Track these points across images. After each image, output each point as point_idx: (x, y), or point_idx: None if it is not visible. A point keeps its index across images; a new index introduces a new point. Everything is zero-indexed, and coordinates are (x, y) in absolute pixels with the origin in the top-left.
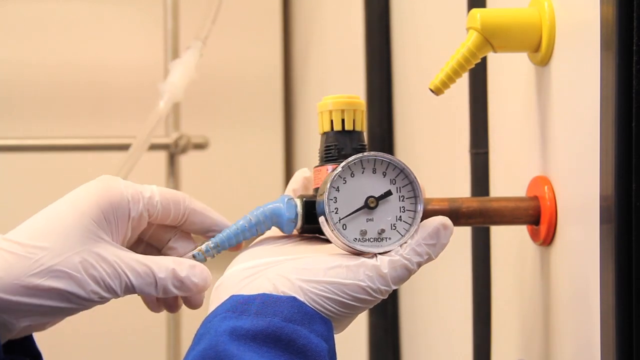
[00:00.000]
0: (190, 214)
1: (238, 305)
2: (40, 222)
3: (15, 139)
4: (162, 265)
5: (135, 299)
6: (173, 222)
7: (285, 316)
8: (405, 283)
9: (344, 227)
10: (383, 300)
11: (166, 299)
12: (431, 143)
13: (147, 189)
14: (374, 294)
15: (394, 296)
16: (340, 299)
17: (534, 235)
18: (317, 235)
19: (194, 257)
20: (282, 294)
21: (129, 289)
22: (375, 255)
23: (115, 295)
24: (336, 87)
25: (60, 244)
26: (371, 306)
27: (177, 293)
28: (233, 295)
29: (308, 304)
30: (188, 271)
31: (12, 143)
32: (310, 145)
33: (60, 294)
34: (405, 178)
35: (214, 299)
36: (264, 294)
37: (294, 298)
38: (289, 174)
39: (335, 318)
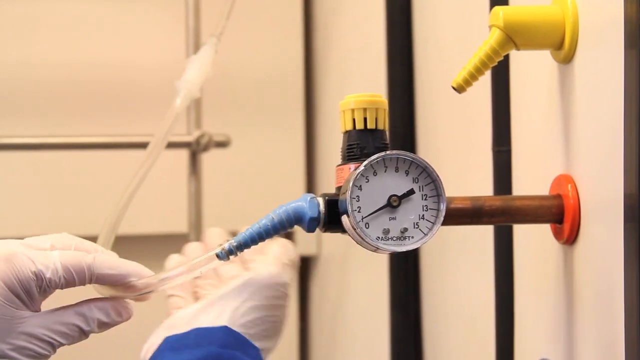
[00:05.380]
0: (98, 278)
1: (174, 343)
2: None
3: (36, 137)
4: (88, 318)
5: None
6: (80, 285)
7: (221, 344)
8: (428, 281)
9: (367, 225)
10: (405, 298)
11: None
12: (453, 141)
13: (49, 260)
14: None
15: (415, 294)
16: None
17: (557, 234)
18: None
19: (217, 256)
20: (213, 326)
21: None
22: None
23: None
24: (357, 85)
25: None
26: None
27: (111, 326)
28: (167, 337)
29: (239, 331)
30: (113, 312)
31: (32, 141)
32: (331, 144)
33: None
34: (427, 177)
35: (148, 352)
36: (197, 328)
37: (226, 327)
38: (310, 172)
39: (265, 336)
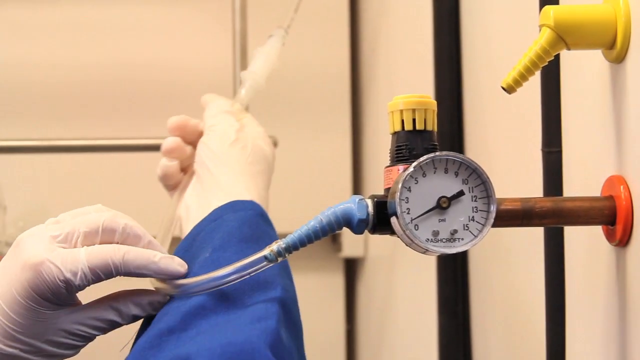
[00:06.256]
0: (128, 275)
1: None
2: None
3: (84, 140)
4: (123, 313)
5: None
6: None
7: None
8: (477, 283)
9: (416, 227)
10: (453, 301)
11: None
12: (502, 142)
13: (76, 265)
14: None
15: (464, 297)
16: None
17: (610, 236)
18: None
19: (265, 257)
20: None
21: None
22: None
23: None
24: (404, 86)
25: (28, 335)
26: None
27: (147, 311)
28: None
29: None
30: (149, 307)
31: (86, 143)
32: (378, 145)
33: None
34: (477, 178)
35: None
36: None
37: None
38: (357, 174)
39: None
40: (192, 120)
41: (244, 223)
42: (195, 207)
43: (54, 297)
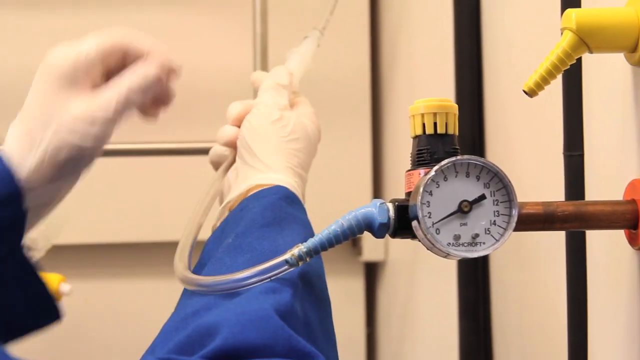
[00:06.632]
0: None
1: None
2: (28, 113)
3: (111, 144)
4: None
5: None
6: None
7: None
8: (498, 286)
9: (437, 231)
10: (475, 305)
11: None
12: (524, 145)
13: (81, 46)
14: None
15: (485, 300)
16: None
17: (632, 240)
18: None
19: (286, 261)
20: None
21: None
22: None
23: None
24: (425, 89)
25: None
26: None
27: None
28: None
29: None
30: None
31: (108, 147)
32: (398, 149)
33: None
34: (499, 182)
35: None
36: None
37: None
38: (377, 178)
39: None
40: (249, 105)
41: (266, 208)
42: (234, 182)
43: (68, 73)
